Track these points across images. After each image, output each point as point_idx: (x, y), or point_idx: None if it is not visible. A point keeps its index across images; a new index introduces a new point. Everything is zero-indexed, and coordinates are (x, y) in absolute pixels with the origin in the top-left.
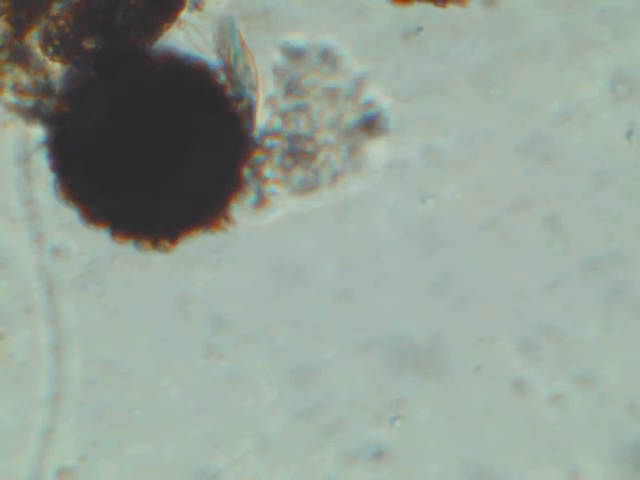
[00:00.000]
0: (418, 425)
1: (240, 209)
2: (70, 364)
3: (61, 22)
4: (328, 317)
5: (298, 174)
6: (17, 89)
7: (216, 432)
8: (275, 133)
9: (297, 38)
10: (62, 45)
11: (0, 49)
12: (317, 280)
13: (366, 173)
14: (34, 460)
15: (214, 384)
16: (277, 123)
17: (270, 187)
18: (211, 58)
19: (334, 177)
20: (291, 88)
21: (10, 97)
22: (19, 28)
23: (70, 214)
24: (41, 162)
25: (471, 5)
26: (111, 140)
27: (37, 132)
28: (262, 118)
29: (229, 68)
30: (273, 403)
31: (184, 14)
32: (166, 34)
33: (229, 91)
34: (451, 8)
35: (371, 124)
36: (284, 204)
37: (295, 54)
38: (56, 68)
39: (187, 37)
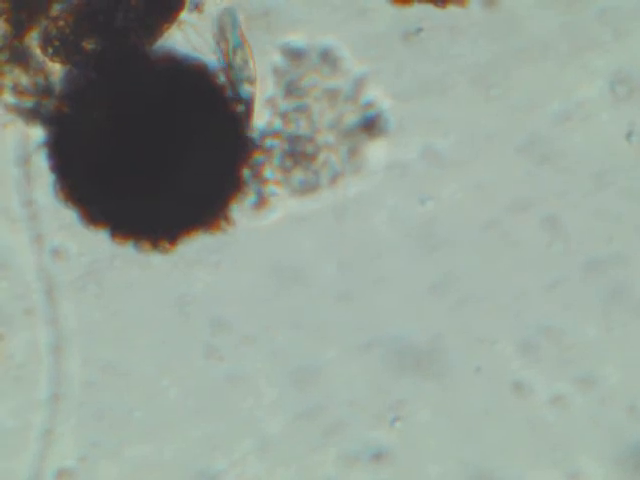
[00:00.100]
0: (418, 426)
1: (240, 210)
2: (70, 365)
3: (61, 23)
4: (328, 318)
5: (298, 175)
6: (17, 90)
7: (216, 433)
8: (275, 134)
9: (297, 39)
10: (62, 46)
11: (0, 50)
12: (317, 281)
13: (366, 174)
14: (34, 461)
15: (214, 385)
16: (277, 124)
17: (270, 188)
18: (211, 59)
19: (334, 178)
20: (291, 89)
21: (10, 98)
22: (19, 29)
23: (70, 215)
24: (41, 163)
25: (471, 6)
26: (111, 141)
27: (37, 133)
28: (262, 119)
29: (227, 61)
30: (273, 404)
31: (184, 15)
32: (166, 35)
33: (228, 91)
34: (451, 9)
35: (371, 125)
36: (284, 205)
37: (295, 55)
38: (56, 69)
39: (187, 38)
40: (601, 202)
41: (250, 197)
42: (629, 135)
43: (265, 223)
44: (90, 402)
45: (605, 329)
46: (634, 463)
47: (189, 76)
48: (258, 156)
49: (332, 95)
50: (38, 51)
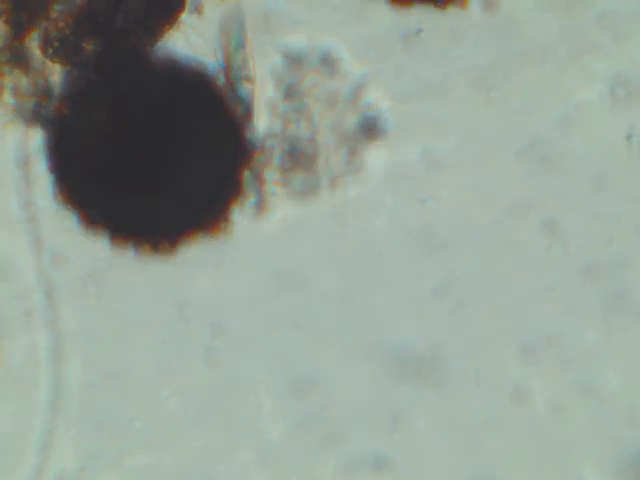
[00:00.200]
0: (418, 435)
1: (240, 213)
2: (69, 370)
3: (61, 24)
4: (328, 322)
5: (298, 177)
6: (17, 91)
7: (216, 443)
8: (275, 135)
9: (297, 40)
10: (62, 47)
11: (0, 51)
12: (317, 284)
13: (366, 176)
14: (33, 472)
15: (213, 394)
16: (277, 125)
17: (270, 190)
18: (211, 60)
19: (334, 180)
20: (291, 90)
21: (10, 99)
22: (19, 30)
23: (69, 218)
24: (40, 165)
25: (471, 8)
26: (111, 143)
27: (36, 135)
28: (262, 120)
29: (228, 62)
30: (273, 413)
31: (184, 17)
32: (166, 37)
33: (228, 93)
34: (451, 10)
35: (371, 127)
36: (284, 207)
37: (295, 56)
38: (56, 70)
39: (187, 40)
40: (600, 205)
41: (250, 200)
42: (628, 138)
43: (265, 226)
44: (90, 412)
45: (605, 333)
46: (634, 473)
47: (189, 78)
48: (258, 158)
49: (332, 97)
50: (38, 52)
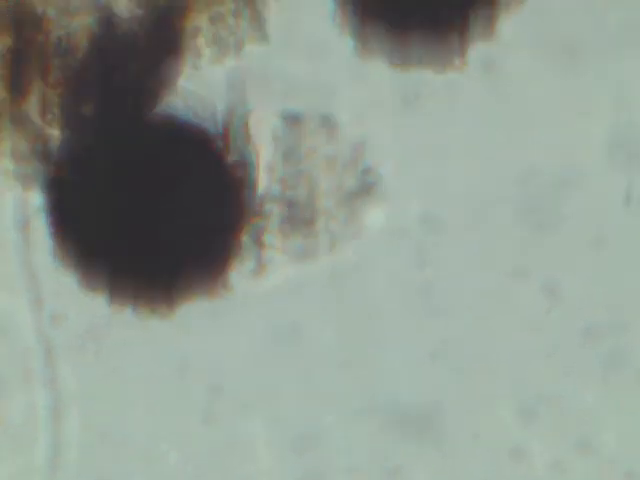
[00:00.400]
0: None
1: (238, 275)
2: (68, 428)
3: (59, 89)
4: (327, 383)
5: (296, 240)
6: (15, 155)
7: None
8: (273, 199)
9: (295, 104)
10: (60, 111)
11: None
12: (316, 346)
13: (365, 239)
14: None
15: (213, 450)
16: (275, 189)
17: (269, 253)
18: (210, 124)
19: (333, 243)
20: (290, 154)
21: (8, 163)
22: (17, 95)
23: (69, 279)
24: (40, 228)
25: (469, 70)
26: (110, 206)
27: (35, 198)
28: (261, 184)
29: (228, 126)
30: (272, 470)
31: (183, 79)
32: (165, 99)
33: (228, 157)
34: (449, 73)
35: (370, 190)
36: (282, 270)
37: (293, 120)
38: (55, 134)
39: (186, 101)
40: (599, 268)
41: (248, 262)
42: (627, 201)
43: (263, 288)
44: (88, 469)
45: (604, 396)
46: None
47: (188, 141)
48: (257, 222)
49: (331, 160)
50: (36, 117)
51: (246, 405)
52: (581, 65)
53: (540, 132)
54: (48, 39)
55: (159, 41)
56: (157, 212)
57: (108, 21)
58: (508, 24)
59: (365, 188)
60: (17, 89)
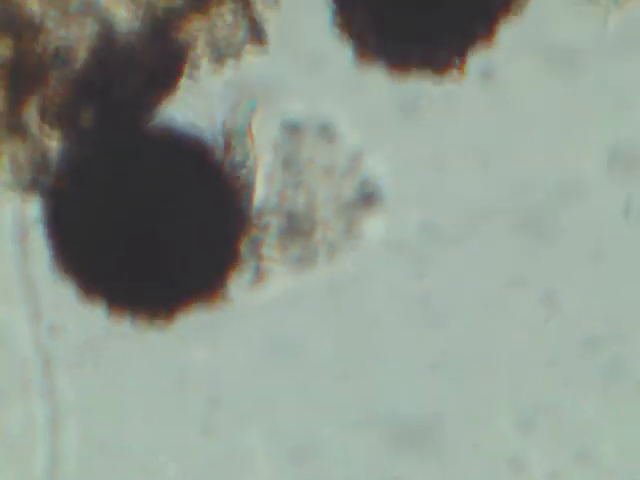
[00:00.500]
0: None
1: (237, 286)
2: (66, 440)
3: (58, 99)
4: (325, 395)
5: (295, 251)
6: (14, 166)
7: None
8: (272, 210)
9: (295, 113)
10: (59, 122)
11: None
12: (314, 357)
13: (363, 249)
14: None
15: (211, 462)
16: (274, 199)
17: (267, 264)
18: (209, 134)
19: (331, 253)
20: (288, 164)
21: (7, 174)
22: (16, 105)
23: (67, 290)
24: (38, 239)
25: (468, 79)
26: (108, 217)
27: (34, 209)
28: (259, 194)
29: (227, 137)
30: None
31: (181, 90)
32: (164, 109)
33: (227, 167)
34: (448, 82)
35: (368, 200)
36: (281, 281)
37: (293, 129)
38: (53, 145)
39: (184, 111)
40: (598, 279)
41: (247, 273)
42: (626, 211)
43: (262, 299)
44: (87, 479)
45: (603, 407)
46: None
47: (187, 152)
48: (255, 232)
49: (329, 170)
50: (35, 127)
51: (244, 417)
52: (580, 75)
53: (539, 143)
54: (47, 51)
55: (157, 53)
56: (156, 223)
57: (107, 34)
58: (507, 34)
59: (364, 199)
60: (16, 101)
